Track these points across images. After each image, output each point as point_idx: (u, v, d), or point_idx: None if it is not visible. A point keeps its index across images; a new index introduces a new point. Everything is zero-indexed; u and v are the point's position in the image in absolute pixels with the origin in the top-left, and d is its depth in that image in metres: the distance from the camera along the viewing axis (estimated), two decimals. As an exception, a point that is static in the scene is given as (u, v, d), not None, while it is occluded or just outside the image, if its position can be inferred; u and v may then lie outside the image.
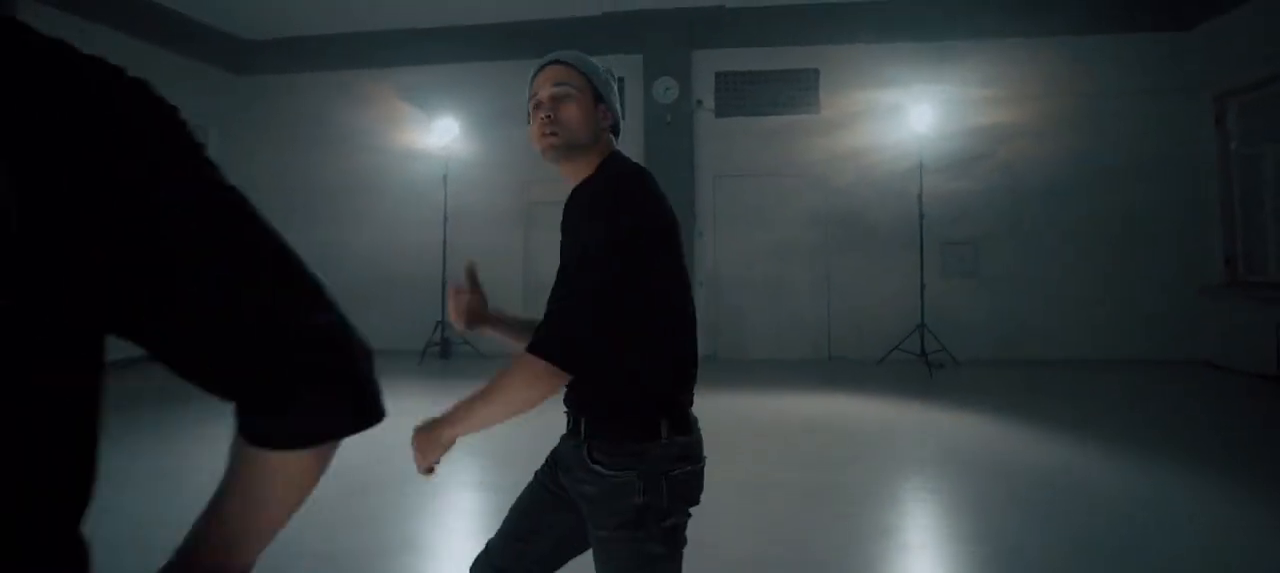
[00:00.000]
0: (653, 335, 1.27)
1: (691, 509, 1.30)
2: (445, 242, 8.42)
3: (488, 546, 1.46)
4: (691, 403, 1.35)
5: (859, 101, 8.21)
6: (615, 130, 1.44)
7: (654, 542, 1.23)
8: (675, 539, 1.27)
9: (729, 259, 8.34)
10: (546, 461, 1.45)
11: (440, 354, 8.37)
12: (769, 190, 8.30)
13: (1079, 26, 7.90)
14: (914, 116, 7.64)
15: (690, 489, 1.29)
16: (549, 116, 1.33)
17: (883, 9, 8.10)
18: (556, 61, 1.40)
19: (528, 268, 8.55)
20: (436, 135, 8.47)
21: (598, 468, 1.26)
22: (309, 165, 9.23)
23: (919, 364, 7.35)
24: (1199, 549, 2.84)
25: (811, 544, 2.92)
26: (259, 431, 0.57)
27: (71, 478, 0.52)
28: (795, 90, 8.40)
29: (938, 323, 7.58)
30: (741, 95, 8.47)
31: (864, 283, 8.01)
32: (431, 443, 1.28)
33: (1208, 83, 7.56)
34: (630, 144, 8.04)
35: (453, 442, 1.29)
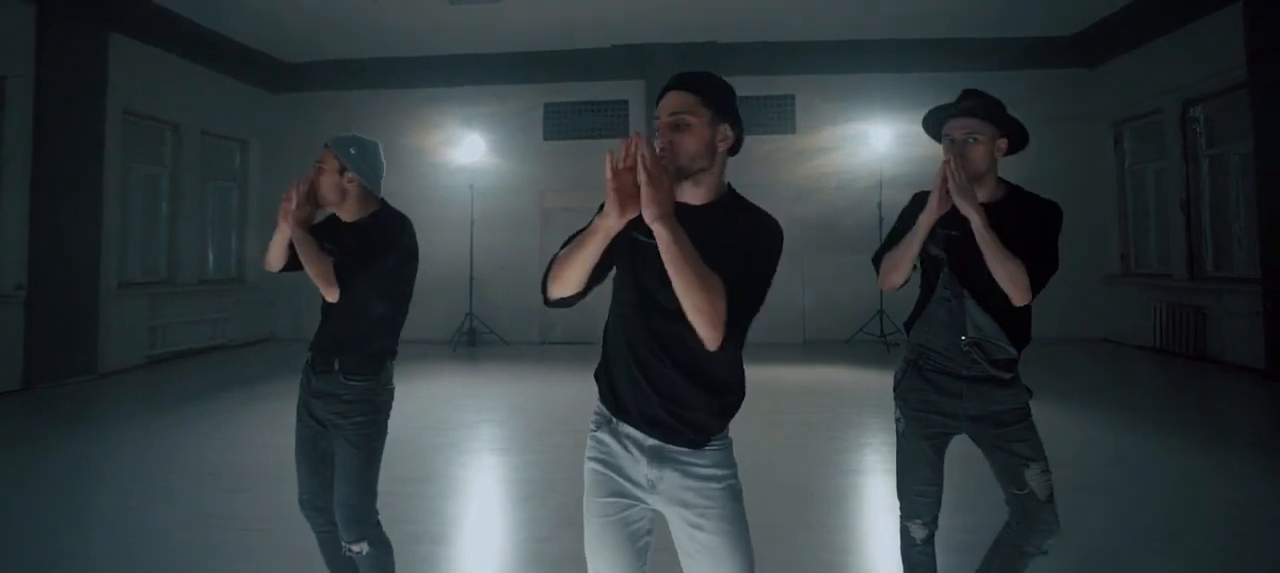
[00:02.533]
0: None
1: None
2: (472, 245, 10.28)
3: None
4: None
5: (829, 124, 10.39)
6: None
7: None
8: None
9: (719, 258, 10.47)
10: None
11: (468, 343, 10.25)
12: (754, 199, 10.36)
13: (1008, 63, 10.16)
14: (875, 138, 9.80)
15: None
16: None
17: (847, 46, 10.25)
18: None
19: (543, 266, 10.49)
20: (464, 151, 10.33)
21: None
22: (341, 175, 10.96)
23: (878, 343, 9.57)
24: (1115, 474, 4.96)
25: (811, 452, 4.98)
26: None
27: None
28: (775, 113, 10.54)
29: (893, 309, 9.77)
30: (729, 118, 10.54)
31: (834, 278, 10.16)
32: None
33: (1108, 112, 9.92)
34: (634, 159, 10.05)
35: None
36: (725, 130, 1.67)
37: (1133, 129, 9.75)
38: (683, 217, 1.47)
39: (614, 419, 1.69)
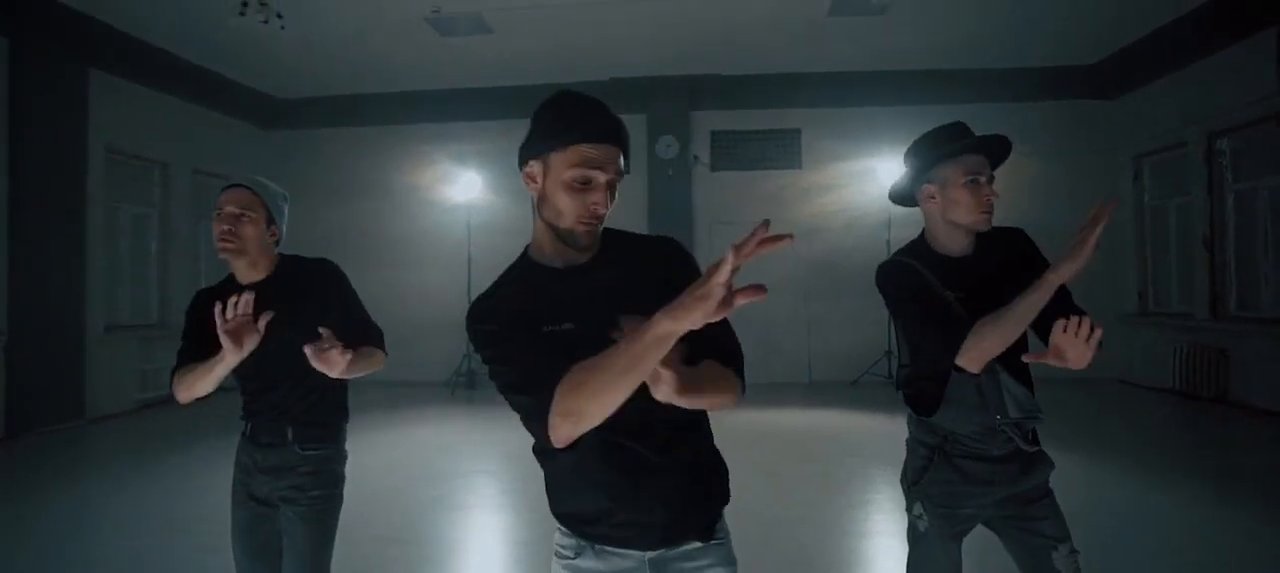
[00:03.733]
0: None
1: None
2: (469, 283, 10.36)
3: None
4: None
5: (837, 159, 10.47)
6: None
7: None
8: None
9: (724, 297, 10.54)
10: None
11: (466, 385, 10.30)
12: (759, 236, 10.46)
13: (1022, 94, 10.23)
14: (883, 174, 9.86)
15: None
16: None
17: (855, 78, 10.36)
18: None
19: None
20: (461, 188, 10.46)
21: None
22: (334, 215, 11.11)
23: (886, 384, 9.54)
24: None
25: (813, 511, 4.98)
26: None
27: None
28: (780, 148, 10.63)
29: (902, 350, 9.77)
30: (733, 152, 10.66)
31: (840, 317, 10.16)
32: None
33: (1127, 145, 9.95)
34: (635, 195, 10.16)
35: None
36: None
37: (1153, 163, 9.77)
38: (583, 276, 1.45)
39: (596, 545, 1.51)
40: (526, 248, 1.55)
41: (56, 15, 7.70)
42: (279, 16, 6.67)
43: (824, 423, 7.70)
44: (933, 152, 2.09)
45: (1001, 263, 2.06)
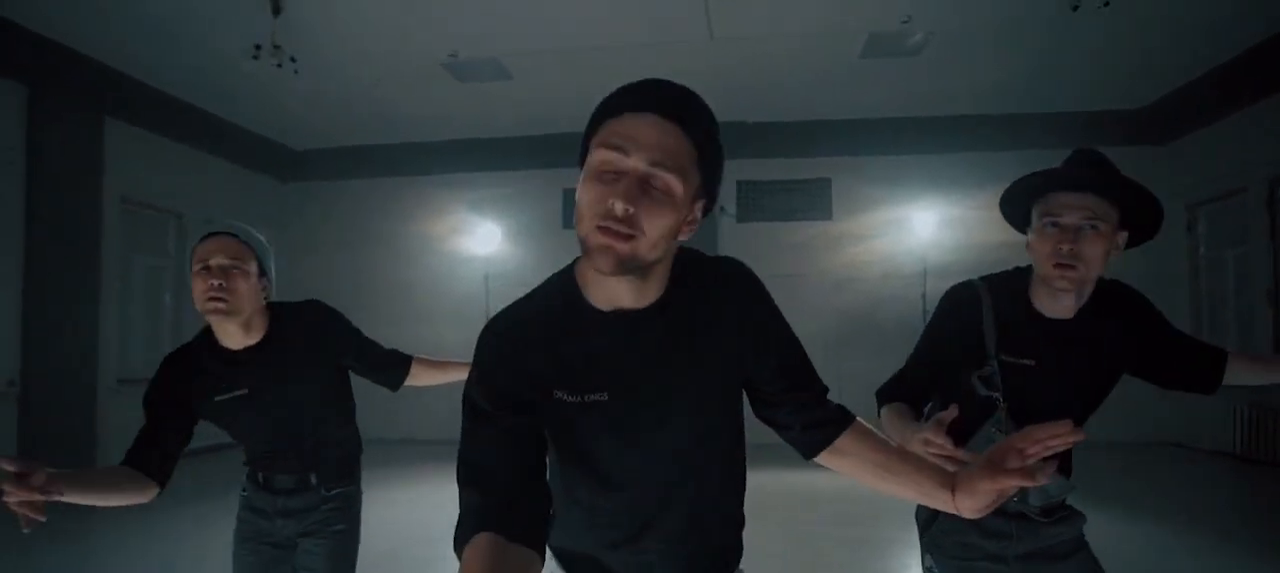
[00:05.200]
0: None
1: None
2: (486, 338, 10.54)
3: None
4: None
5: (869, 209, 10.61)
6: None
7: None
8: None
9: (752, 353, 10.64)
10: None
11: (481, 445, 10.41)
12: (786, 291, 10.52)
13: (1067, 141, 10.28)
14: (918, 224, 9.96)
15: None
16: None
17: (888, 125, 10.53)
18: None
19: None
20: (478, 240, 10.71)
21: None
22: (349, 267, 11.41)
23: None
24: None
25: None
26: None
27: None
28: (809, 198, 10.81)
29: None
30: (761, 203, 10.84)
31: (874, 374, 10.10)
32: None
33: (1179, 193, 9.96)
34: (660, 247, 10.34)
35: None
36: (702, 203, 1.23)
37: (1209, 211, 9.77)
38: (635, 330, 1.22)
39: None
40: (573, 264, 1.34)
41: (73, 62, 8.10)
42: (293, 60, 6.99)
43: (859, 487, 7.69)
44: (1022, 200, 1.90)
45: (1110, 337, 1.87)
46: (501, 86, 9.36)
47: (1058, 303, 1.87)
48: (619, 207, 1.09)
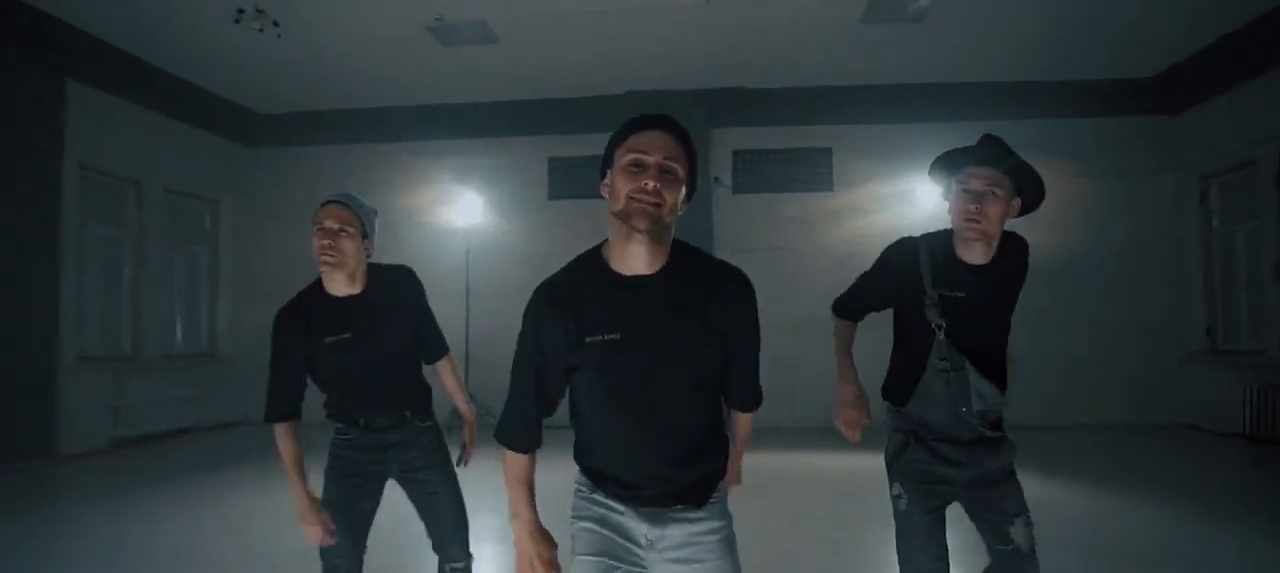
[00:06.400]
0: None
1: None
2: (468, 316, 10.64)
3: None
4: None
5: (871, 180, 10.76)
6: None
7: None
8: None
9: (747, 331, 10.77)
10: None
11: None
12: (783, 265, 10.67)
13: (1075, 110, 10.47)
14: (922, 197, 10.11)
15: None
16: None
17: (893, 91, 10.65)
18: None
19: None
20: (460, 211, 10.77)
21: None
22: (323, 237, 11.44)
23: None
24: None
25: (840, 548, 5.18)
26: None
27: None
28: (809, 168, 10.94)
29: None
30: (758, 173, 10.96)
31: (874, 352, 10.31)
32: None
33: (1192, 165, 10.16)
34: (651, 219, 10.42)
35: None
36: (685, 190, 1.84)
37: (1221, 184, 9.98)
38: (643, 290, 1.81)
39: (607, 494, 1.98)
40: (601, 245, 1.89)
41: (33, 19, 8.08)
42: (276, 25, 7.02)
43: (855, 465, 7.86)
44: (944, 170, 2.55)
45: (1008, 274, 2.56)
46: (488, 50, 9.40)
47: (971, 250, 2.49)
48: (651, 185, 1.72)
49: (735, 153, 11.02)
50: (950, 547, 2.59)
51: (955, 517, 2.63)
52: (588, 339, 1.79)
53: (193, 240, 11.27)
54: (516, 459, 1.97)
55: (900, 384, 2.63)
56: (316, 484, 2.82)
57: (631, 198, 1.73)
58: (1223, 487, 7.10)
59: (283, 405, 2.75)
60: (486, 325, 10.62)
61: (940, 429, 2.52)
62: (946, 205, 2.51)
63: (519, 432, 1.95)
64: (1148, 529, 5.53)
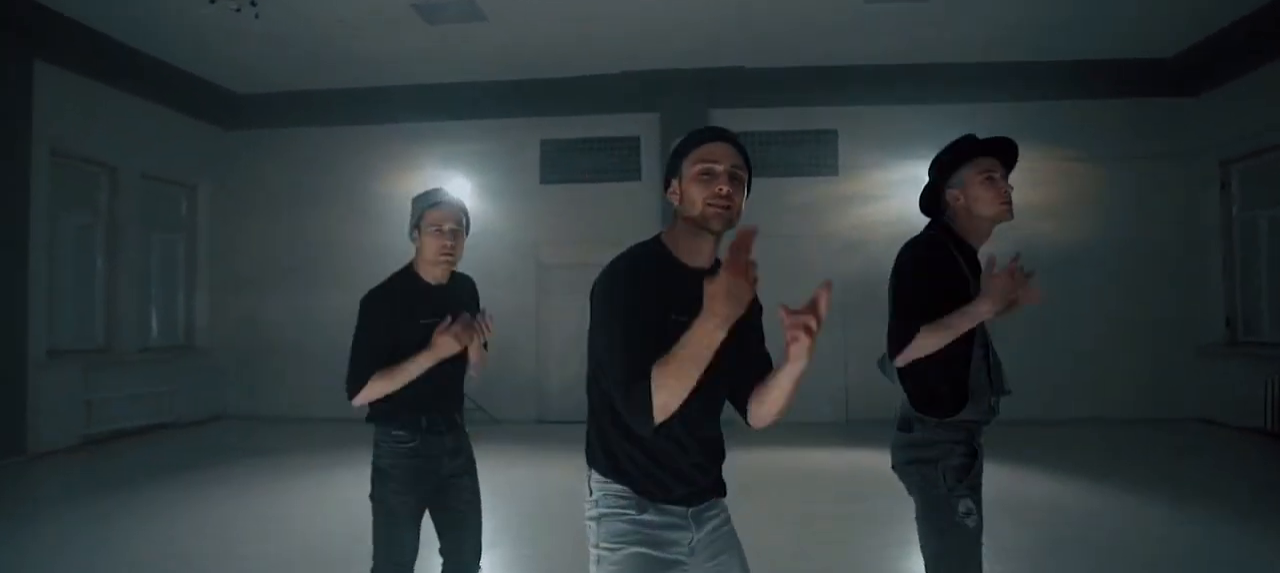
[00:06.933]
0: None
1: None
2: (456, 305, 10.62)
3: None
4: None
5: (878, 164, 10.74)
6: None
7: None
8: None
9: (748, 321, 10.78)
10: None
11: (451, 422, 10.53)
12: (787, 254, 10.66)
13: (1091, 91, 10.45)
14: (931, 181, 10.10)
15: None
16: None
17: (901, 71, 10.62)
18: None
19: (541, 333, 10.86)
20: (448, 196, 10.74)
21: None
22: (304, 225, 11.42)
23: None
24: None
25: (848, 549, 5.19)
26: None
27: None
28: (814, 152, 10.93)
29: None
30: (759, 156, 10.92)
31: (883, 344, 10.36)
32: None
33: (1213, 149, 10.16)
34: (646, 205, 10.44)
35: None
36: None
37: (1243, 170, 9.98)
38: (700, 278, 1.84)
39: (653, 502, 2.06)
40: (660, 235, 2.12)
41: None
42: (253, 4, 6.97)
43: (864, 463, 7.89)
44: (952, 157, 2.70)
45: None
46: (475, 28, 9.35)
47: (985, 237, 2.72)
48: (725, 189, 1.98)
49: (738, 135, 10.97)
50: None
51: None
52: (673, 315, 1.91)
53: (169, 228, 11.22)
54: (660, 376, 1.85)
55: (952, 391, 2.59)
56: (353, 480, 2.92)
57: (708, 204, 1.97)
58: (1246, 484, 7.12)
59: (369, 375, 2.93)
60: (476, 316, 10.60)
61: (981, 428, 2.63)
62: (951, 194, 2.70)
63: (641, 368, 1.85)
64: (1165, 528, 5.56)
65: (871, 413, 10.34)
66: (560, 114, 11.15)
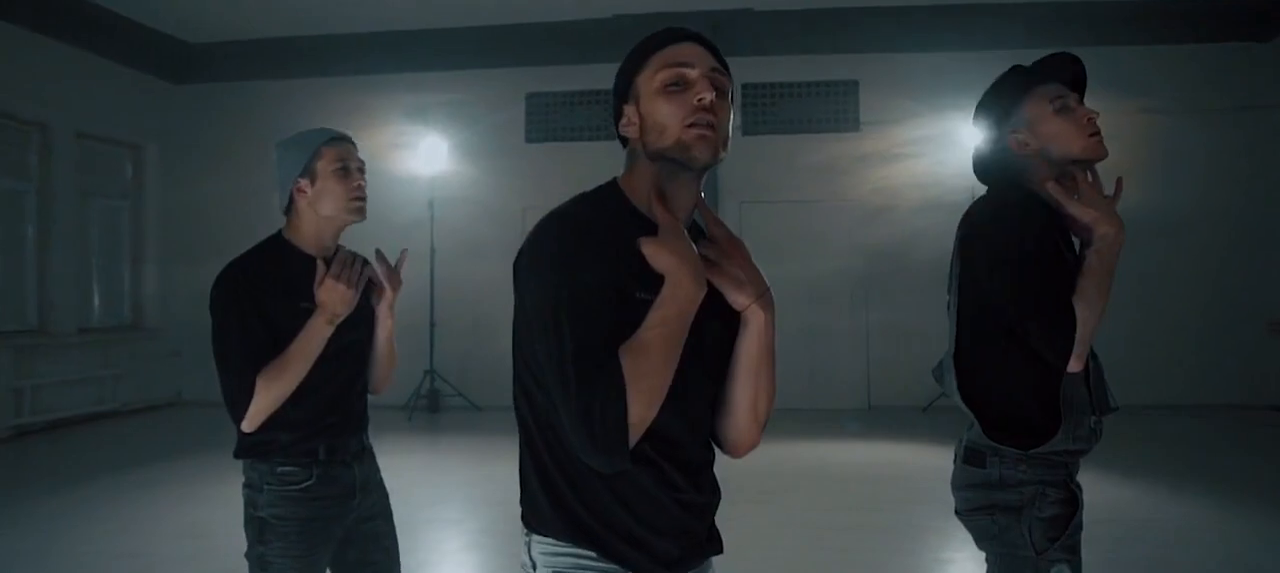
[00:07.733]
0: None
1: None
2: (432, 279, 10.43)
3: None
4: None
5: (904, 118, 10.42)
6: None
7: None
8: None
9: (759, 296, 10.60)
10: None
11: (428, 408, 10.34)
12: (802, 220, 10.47)
13: (1148, 35, 10.14)
14: (966, 137, 9.87)
15: None
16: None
17: (931, 13, 10.31)
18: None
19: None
20: (421, 156, 10.53)
21: None
22: (263, 188, 11.15)
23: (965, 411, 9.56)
24: None
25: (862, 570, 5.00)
26: None
27: None
28: (832, 105, 10.62)
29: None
30: (771, 110, 10.68)
31: (909, 324, 10.08)
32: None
33: (1285, 97, 9.87)
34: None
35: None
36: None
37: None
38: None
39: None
40: (617, 179, 1.62)
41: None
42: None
43: (887, 459, 7.71)
44: (1004, 95, 2.19)
45: None
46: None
47: (1073, 187, 2.07)
48: (708, 98, 1.45)
49: (745, 87, 10.61)
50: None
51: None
52: (640, 294, 1.43)
53: (111, 193, 11.02)
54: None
55: (1042, 409, 2.02)
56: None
57: (688, 123, 1.45)
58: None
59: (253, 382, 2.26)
60: (453, 291, 10.40)
61: (1079, 460, 2.11)
62: (1015, 138, 2.13)
63: (604, 378, 1.35)
64: (1221, 529, 5.35)
65: (896, 399, 10.18)
66: (548, 63, 10.87)
